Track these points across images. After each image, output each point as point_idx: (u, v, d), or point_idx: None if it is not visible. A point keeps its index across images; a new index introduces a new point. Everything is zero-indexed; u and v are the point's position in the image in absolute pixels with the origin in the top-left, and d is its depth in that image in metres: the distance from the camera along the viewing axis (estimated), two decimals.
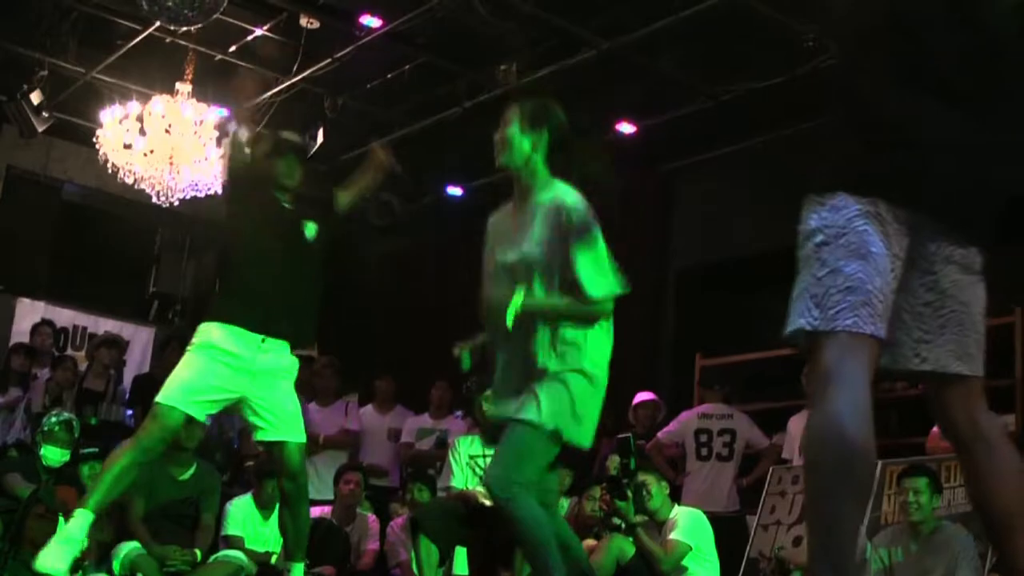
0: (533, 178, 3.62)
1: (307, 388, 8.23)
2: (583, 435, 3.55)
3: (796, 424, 7.02)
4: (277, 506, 6.21)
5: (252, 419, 4.40)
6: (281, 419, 4.39)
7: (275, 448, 4.44)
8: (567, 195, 3.56)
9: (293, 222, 4.55)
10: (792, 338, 2.15)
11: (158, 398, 4.24)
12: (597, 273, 3.51)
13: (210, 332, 4.31)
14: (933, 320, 2.23)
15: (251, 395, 4.34)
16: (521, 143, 3.60)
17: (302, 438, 4.49)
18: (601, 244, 3.53)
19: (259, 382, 4.34)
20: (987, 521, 2.33)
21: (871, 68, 2.19)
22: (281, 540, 6.18)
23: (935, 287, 2.22)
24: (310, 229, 4.58)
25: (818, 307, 2.09)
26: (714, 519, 5.91)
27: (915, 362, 2.25)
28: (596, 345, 3.57)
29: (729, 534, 6.33)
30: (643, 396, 7.86)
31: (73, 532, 4.00)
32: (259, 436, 4.45)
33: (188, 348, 4.35)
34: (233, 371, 4.28)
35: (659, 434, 7.51)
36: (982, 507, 2.31)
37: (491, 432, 3.68)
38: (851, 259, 2.08)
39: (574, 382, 3.51)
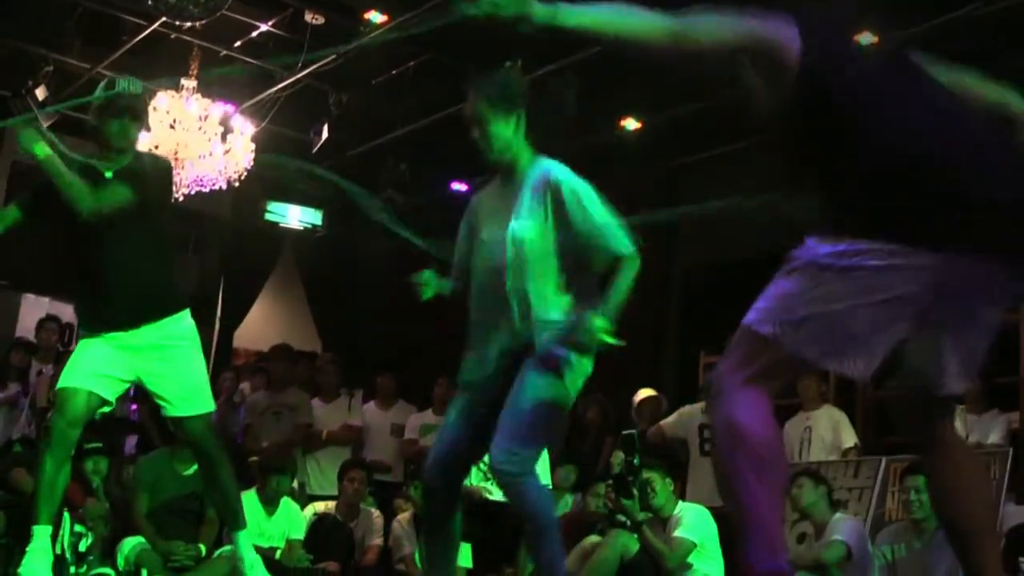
0: (519, 157, 3.52)
1: (310, 384, 8.26)
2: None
3: (794, 427, 6.98)
4: (281, 501, 6.27)
5: (155, 397, 4.23)
6: (180, 393, 4.19)
7: (179, 424, 4.26)
8: (554, 169, 3.46)
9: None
10: (746, 328, 2.19)
11: (57, 385, 4.15)
12: (617, 229, 3.44)
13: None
14: (954, 347, 2.22)
15: (143, 374, 4.17)
16: (502, 132, 3.48)
17: (207, 408, 4.28)
18: (602, 203, 3.45)
19: (146, 356, 4.15)
20: (949, 527, 2.38)
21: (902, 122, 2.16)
22: (285, 535, 6.22)
23: (967, 316, 2.21)
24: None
25: (791, 326, 2.10)
26: (719, 515, 5.90)
27: (937, 389, 2.27)
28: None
29: (733, 530, 6.32)
30: (645, 392, 7.84)
31: (42, 544, 3.97)
32: (165, 412, 4.25)
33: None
34: (116, 350, 4.12)
35: (660, 423, 7.48)
36: (943, 512, 2.38)
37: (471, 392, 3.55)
38: (849, 297, 2.07)
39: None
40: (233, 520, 4.43)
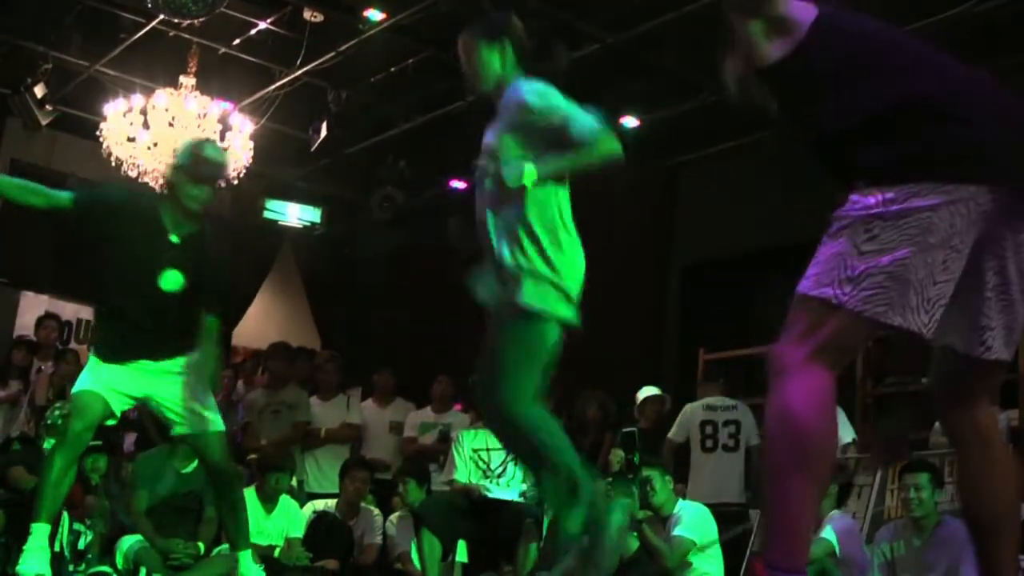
0: (507, 85, 3.48)
1: (309, 382, 8.26)
2: (572, 311, 3.36)
3: None
4: (280, 499, 6.26)
5: (166, 415, 4.30)
6: (192, 412, 4.26)
7: (192, 441, 4.35)
8: (522, 87, 3.40)
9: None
10: (804, 298, 2.08)
11: (74, 389, 4.22)
12: (583, 119, 3.31)
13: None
14: (996, 304, 2.19)
15: (155, 394, 4.26)
16: (490, 63, 3.48)
17: (219, 427, 4.34)
18: (572, 106, 3.34)
19: (161, 380, 4.25)
20: (971, 520, 2.32)
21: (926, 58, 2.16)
22: (284, 533, 6.22)
23: (1002, 272, 2.17)
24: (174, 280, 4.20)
25: (851, 282, 2.02)
26: (717, 514, 5.90)
27: (980, 350, 2.21)
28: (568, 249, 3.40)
29: (732, 529, 6.32)
30: (649, 392, 7.82)
31: (40, 542, 4.00)
32: (176, 431, 4.34)
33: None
34: (132, 370, 4.21)
35: (668, 436, 7.46)
36: (969, 505, 2.32)
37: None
38: (903, 244, 2.01)
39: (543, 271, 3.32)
40: (238, 539, 4.49)
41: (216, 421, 4.34)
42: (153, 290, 4.14)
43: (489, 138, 3.45)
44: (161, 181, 4.32)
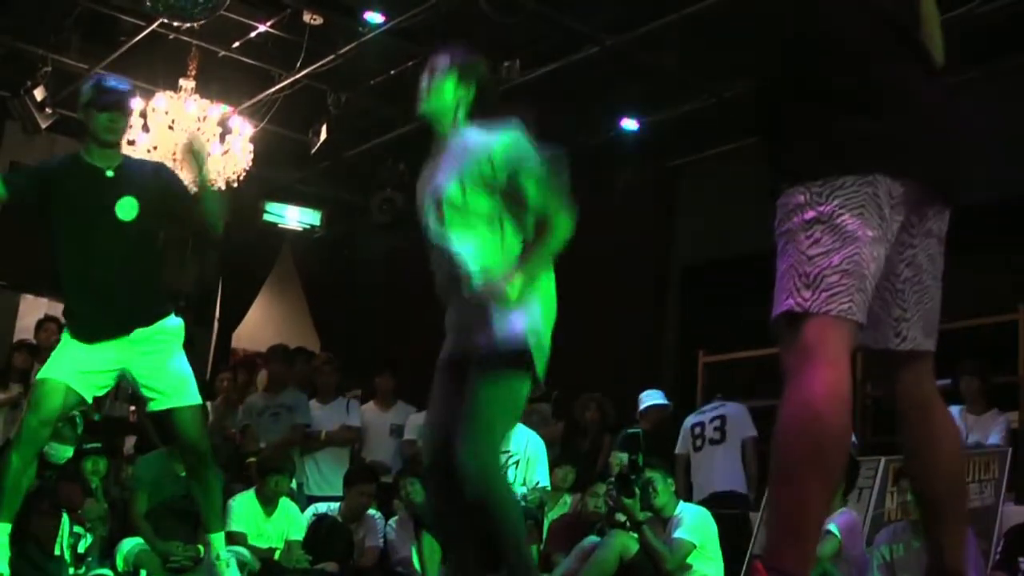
0: (452, 128, 3.48)
1: (308, 385, 8.25)
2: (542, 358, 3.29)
3: None
4: (280, 502, 6.26)
5: (141, 391, 4.20)
6: (169, 384, 4.18)
7: (166, 418, 4.23)
8: (496, 132, 3.38)
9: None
10: (776, 324, 2.07)
11: (37, 375, 4.13)
12: (552, 197, 3.32)
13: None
14: (911, 296, 2.19)
15: (130, 365, 4.15)
16: (447, 94, 3.46)
17: (195, 400, 4.25)
18: (545, 167, 3.34)
19: (135, 350, 4.14)
20: (919, 501, 2.30)
21: (843, 45, 2.13)
22: (284, 535, 6.22)
23: (913, 261, 2.19)
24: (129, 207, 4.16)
25: (809, 288, 2.01)
26: (719, 516, 5.89)
27: (895, 342, 2.21)
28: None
29: (733, 530, 6.32)
30: (655, 400, 7.81)
31: (1, 541, 3.94)
32: (150, 407, 4.22)
33: None
34: (106, 344, 4.10)
35: (676, 452, 7.46)
36: (917, 484, 2.29)
37: None
38: (847, 242, 2.01)
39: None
40: (211, 521, 4.39)
41: (192, 394, 4.23)
42: (110, 229, 4.08)
43: (440, 180, 3.38)
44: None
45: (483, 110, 3.48)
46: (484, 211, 3.33)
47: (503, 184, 3.32)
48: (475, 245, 3.33)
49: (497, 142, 3.34)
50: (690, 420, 7.45)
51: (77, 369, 4.07)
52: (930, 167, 2.11)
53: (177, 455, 5.81)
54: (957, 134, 2.17)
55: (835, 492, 2.32)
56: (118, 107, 4.26)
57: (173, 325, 4.25)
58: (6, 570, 3.91)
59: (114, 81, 4.32)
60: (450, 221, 3.34)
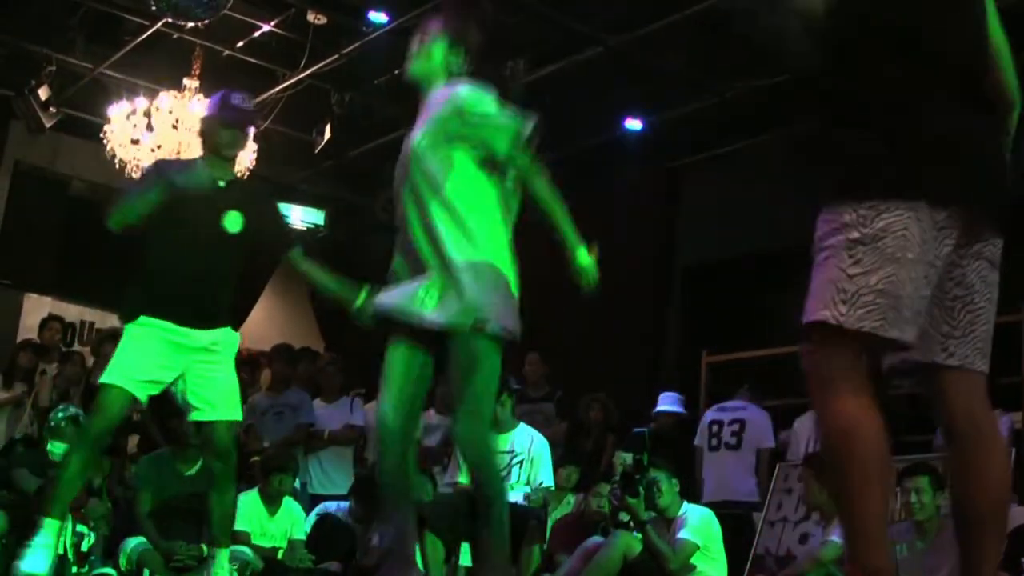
0: (435, 87, 3.54)
1: (312, 385, 8.26)
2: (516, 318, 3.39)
3: (803, 425, 6.99)
4: (283, 501, 6.27)
5: (189, 398, 4.25)
6: (217, 398, 4.26)
7: (205, 428, 4.30)
8: (457, 85, 3.45)
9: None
10: (807, 328, 2.17)
11: (101, 378, 4.17)
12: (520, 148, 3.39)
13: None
14: (961, 315, 2.28)
15: (188, 373, 4.22)
16: (437, 58, 3.53)
17: (237, 416, 4.37)
18: (491, 99, 3.40)
19: (194, 358, 4.22)
20: (959, 519, 2.37)
21: (895, 87, 2.19)
22: (287, 534, 6.23)
23: (963, 281, 2.26)
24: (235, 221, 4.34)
25: (846, 303, 2.11)
26: (721, 516, 5.89)
27: (942, 356, 2.28)
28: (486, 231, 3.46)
29: (736, 531, 6.32)
30: (667, 406, 7.79)
31: (47, 540, 3.92)
32: (193, 416, 4.30)
33: None
34: (167, 347, 4.17)
35: (695, 443, 7.46)
36: (959, 503, 2.36)
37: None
38: (887, 263, 2.10)
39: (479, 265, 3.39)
40: (219, 536, 4.44)
41: (236, 409, 4.35)
42: (213, 233, 4.24)
43: (412, 137, 3.48)
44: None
45: (471, 76, 3.52)
46: (451, 165, 3.42)
47: (469, 134, 3.38)
48: (439, 208, 3.48)
49: (460, 93, 3.40)
50: (709, 415, 7.42)
51: (140, 379, 4.13)
52: (974, 201, 2.20)
53: (181, 454, 5.83)
54: (1003, 170, 2.27)
55: (889, 497, 2.49)
56: (241, 126, 4.45)
57: (233, 337, 4.39)
58: (45, 570, 3.85)
59: (239, 99, 4.42)
60: (419, 182, 3.50)
